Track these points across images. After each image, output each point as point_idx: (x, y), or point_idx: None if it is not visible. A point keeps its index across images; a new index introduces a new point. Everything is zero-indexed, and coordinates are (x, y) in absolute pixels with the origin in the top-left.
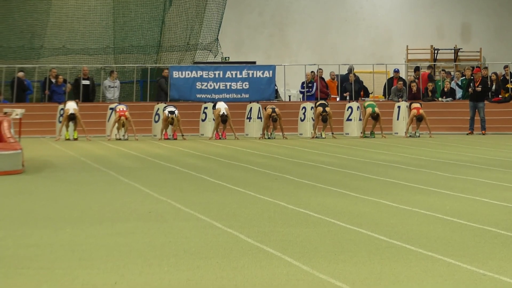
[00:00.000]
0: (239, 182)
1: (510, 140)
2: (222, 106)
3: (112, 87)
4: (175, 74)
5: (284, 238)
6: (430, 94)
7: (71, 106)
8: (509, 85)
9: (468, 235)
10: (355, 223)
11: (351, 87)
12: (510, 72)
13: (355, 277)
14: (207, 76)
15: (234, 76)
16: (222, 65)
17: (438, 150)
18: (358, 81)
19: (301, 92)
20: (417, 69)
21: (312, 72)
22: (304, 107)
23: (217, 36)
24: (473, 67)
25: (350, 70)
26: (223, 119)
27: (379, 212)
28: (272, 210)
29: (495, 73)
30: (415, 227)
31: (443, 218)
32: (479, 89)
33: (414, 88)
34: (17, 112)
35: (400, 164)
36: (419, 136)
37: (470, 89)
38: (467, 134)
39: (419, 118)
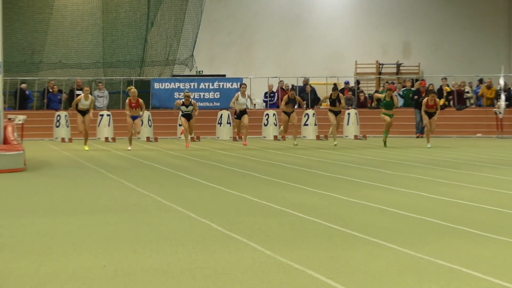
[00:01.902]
0: (212, 179)
1: (449, 142)
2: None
3: (101, 97)
4: (156, 86)
5: (250, 227)
6: (375, 102)
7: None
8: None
9: (409, 224)
10: (312, 214)
11: (308, 96)
12: (447, 84)
13: (311, 260)
14: (183, 87)
15: (207, 87)
16: (196, 77)
17: (387, 151)
18: (313, 91)
19: (264, 101)
20: (358, 82)
21: (281, 81)
22: (267, 114)
23: (192, 52)
24: (413, 80)
25: (307, 82)
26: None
27: (333, 205)
28: (240, 203)
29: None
30: (364, 217)
31: (387, 209)
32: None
33: (362, 98)
34: (20, 118)
35: (352, 164)
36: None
37: (416, 97)
38: (416, 137)
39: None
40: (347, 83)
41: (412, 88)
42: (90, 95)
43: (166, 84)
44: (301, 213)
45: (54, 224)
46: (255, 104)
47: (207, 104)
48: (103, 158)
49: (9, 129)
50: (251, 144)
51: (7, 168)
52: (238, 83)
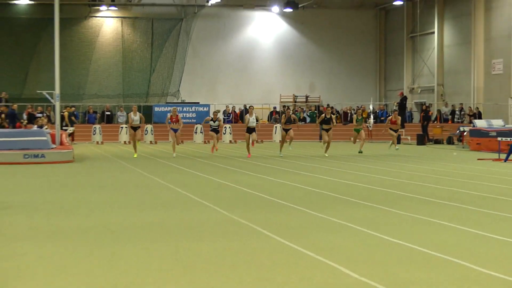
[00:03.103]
0: (190, 167)
1: (338, 145)
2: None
3: (121, 116)
4: (156, 109)
5: (210, 195)
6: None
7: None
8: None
9: (315, 196)
10: (251, 188)
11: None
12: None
13: (251, 218)
14: None
15: (187, 110)
16: (181, 104)
17: (301, 150)
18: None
19: (224, 118)
20: (288, 107)
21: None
22: (225, 127)
23: (178, 88)
24: (316, 106)
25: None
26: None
27: (266, 183)
28: (207, 182)
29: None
30: (286, 191)
31: (301, 187)
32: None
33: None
34: (70, 129)
35: (282, 158)
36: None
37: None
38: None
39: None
40: (274, 108)
41: (316, 111)
42: (138, 112)
43: (162, 108)
44: (243, 187)
45: (90, 196)
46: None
47: (188, 120)
48: (121, 154)
49: (63, 135)
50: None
51: (62, 160)
52: (207, 107)
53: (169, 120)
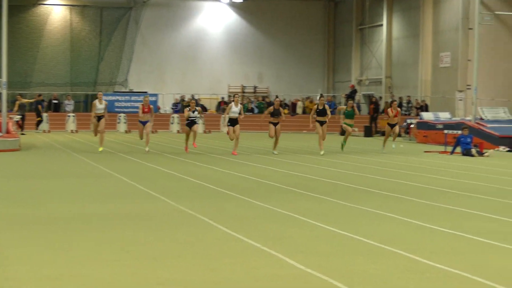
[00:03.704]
0: (141, 158)
1: (288, 136)
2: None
3: (69, 104)
4: (104, 97)
5: (158, 185)
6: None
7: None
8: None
9: (264, 187)
10: (200, 179)
11: (200, 107)
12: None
13: (198, 208)
14: (121, 99)
15: (135, 99)
16: (129, 93)
17: (252, 142)
18: (200, 103)
19: (171, 108)
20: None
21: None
22: (173, 117)
23: (126, 77)
24: (263, 97)
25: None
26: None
27: (215, 174)
28: (156, 172)
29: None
30: (235, 182)
31: (250, 178)
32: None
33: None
34: (16, 117)
35: (220, 150)
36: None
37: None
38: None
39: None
40: (222, 98)
41: (263, 101)
42: (103, 100)
43: (110, 97)
44: (191, 178)
45: (37, 184)
46: (165, 110)
47: (135, 109)
48: (68, 143)
49: (10, 123)
50: (162, 135)
51: (9, 148)
52: (155, 97)
53: (142, 111)
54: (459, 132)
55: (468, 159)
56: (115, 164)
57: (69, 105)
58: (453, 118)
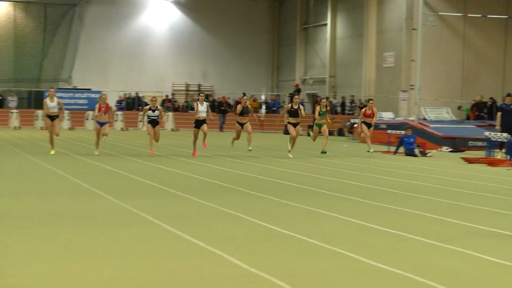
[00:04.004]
0: (85, 155)
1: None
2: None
3: (12, 101)
4: (47, 94)
5: (102, 183)
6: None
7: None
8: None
9: (209, 186)
10: (143, 177)
11: (143, 105)
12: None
13: (142, 207)
14: (65, 96)
15: (79, 96)
16: (72, 90)
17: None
18: (143, 101)
19: (115, 106)
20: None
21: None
22: (117, 114)
23: (70, 74)
24: (207, 95)
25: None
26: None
27: (159, 172)
28: (99, 170)
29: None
30: (179, 181)
31: (195, 176)
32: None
33: (176, 105)
34: None
35: (182, 149)
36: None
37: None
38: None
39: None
40: (166, 96)
41: (207, 99)
42: (55, 97)
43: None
44: (138, 177)
45: None
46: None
47: (79, 107)
48: (12, 139)
49: None
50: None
51: None
52: (98, 94)
53: (98, 110)
54: (402, 132)
55: (411, 159)
56: (59, 162)
57: (12, 101)
58: (396, 118)
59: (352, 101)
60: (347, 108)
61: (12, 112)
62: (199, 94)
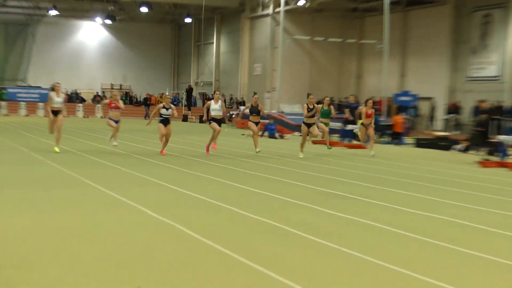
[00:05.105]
0: (43, 136)
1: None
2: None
3: None
4: (10, 90)
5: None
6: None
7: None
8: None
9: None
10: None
11: (80, 99)
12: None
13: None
14: (22, 91)
15: (32, 92)
16: (27, 87)
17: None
18: (80, 96)
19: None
20: (103, 92)
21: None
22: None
23: (25, 75)
24: (126, 92)
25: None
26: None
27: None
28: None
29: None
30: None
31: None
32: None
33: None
34: None
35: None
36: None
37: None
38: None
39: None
40: (97, 92)
41: (124, 96)
42: (62, 93)
43: (14, 89)
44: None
45: None
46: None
47: (32, 99)
48: None
49: None
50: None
51: None
52: (47, 90)
53: (109, 106)
54: (267, 121)
55: (272, 140)
56: (40, 145)
57: None
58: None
59: (231, 98)
60: (227, 103)
61: None
62: (214, 92)
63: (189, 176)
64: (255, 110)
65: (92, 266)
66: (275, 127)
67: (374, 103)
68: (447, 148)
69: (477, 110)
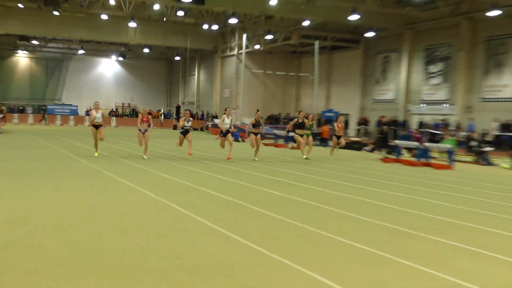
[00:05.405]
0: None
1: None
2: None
3: (29, 109)
4: (50, 107)
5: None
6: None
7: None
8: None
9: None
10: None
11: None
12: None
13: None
14: (58, 108)
15: (66, 108)
16: (62, 104)
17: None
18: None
19: (85, 113)
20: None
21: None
22: (85, 119)
23: (61, 96)
24: (133, 109)
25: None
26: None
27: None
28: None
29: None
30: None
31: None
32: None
33: (257, 118)
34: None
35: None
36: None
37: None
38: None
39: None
40: (112, 109)
41: (133, 111)
42: (100, 110)
43: (53, 106)
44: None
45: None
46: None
47: (66, 113)
48: (30, 130)
49: None
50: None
51: None
52: (76, 107)
53: (141, 121)
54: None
55: (238, 144)
56: (57, 143)
57: (29, 109)
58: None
59: (208, 113)
60: (205, 116)
61: (28, 115)
62: (225, 109)
63: (186, 170)
64: (258, 124)
65: (108, 229)
66: (238, 134)
67: (307, 117)
68: (359, 149)
69: (379, 123)
